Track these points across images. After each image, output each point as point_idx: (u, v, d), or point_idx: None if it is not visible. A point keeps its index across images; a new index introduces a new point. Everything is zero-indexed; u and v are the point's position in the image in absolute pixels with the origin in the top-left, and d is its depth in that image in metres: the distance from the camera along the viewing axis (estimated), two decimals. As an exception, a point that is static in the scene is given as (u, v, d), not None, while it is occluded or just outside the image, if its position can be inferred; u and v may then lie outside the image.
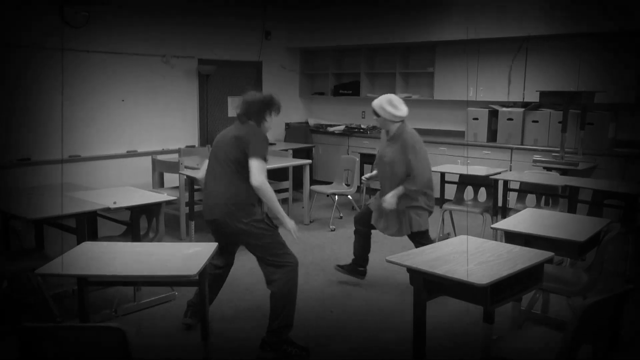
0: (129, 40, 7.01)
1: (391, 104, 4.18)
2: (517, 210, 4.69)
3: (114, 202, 3.98)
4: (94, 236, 4.10)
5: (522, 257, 2.76)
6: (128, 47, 7.01)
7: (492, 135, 7.23)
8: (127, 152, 7.10)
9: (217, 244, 3.11)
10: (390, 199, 4.15)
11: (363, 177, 4.67)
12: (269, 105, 3.55)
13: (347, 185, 6.74)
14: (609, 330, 2.37)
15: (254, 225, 3.37)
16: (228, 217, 3.36)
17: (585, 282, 3.35)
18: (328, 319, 3.98)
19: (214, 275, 3.62)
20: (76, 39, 6.52)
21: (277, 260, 3.40)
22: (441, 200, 5.77)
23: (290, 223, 3.50)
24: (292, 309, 3.42)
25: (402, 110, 4.19)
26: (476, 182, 5.78)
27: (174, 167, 5.82)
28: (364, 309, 4.15)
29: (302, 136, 8.68)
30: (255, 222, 3.37)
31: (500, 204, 5.41)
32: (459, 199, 5.82)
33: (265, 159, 3.37)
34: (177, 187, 5.89)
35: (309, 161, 6.54)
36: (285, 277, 3.38)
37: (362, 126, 8.49)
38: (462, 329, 3.79)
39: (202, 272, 2.82)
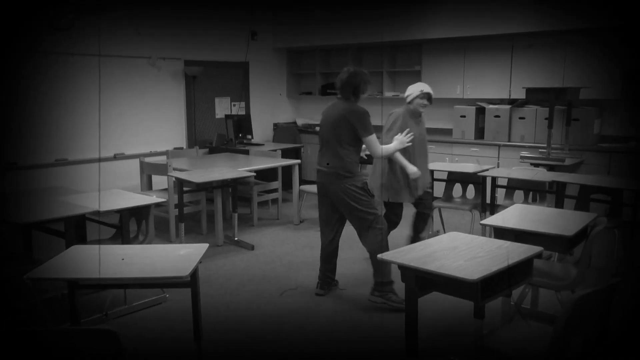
0: (115, 43, 6.97)
1: None
2: (505, 207, 4.73)
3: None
4: (82, 240, 4.07)
5: (511, 253, 2.78)
6: (113, 49, 6.97)
7: (480, 133, 7.28)
8: (115, 155, 7.06)
9: (207, 245, 3.11)
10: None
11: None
12: (365, 82, 4.07)
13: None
14: (598, 322, 2.40)
15: (351, 188, 4.00)
16: (334, 180, 4.03)
17: (573, 276, 3.38)
18: (319, 316, 3.99)
19: (331, 253, 4.29)
20: (61, 42, 6.47)
21: (370, 223, 4.02)
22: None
23: (411, 169, 4.49)
24: (389, 266, 3.99)
25: None
26: (464, 179, 5.82)
27: (162, 169, 5.79)
28: (356, 306, 4.16)
29: (290, 136, 8.68)
30: (354, 186, 4.00)
31: (488, 200, 5.45)
32: (447, 197, 5.86)
33: (373, 132, 4.04)
34: (165, 190, 5.86)
35: (298, 161, 6.54)
36: (375, 238, 4.02)
37: (350, 125, 8.50)
38: (453, 324, 3.82)
39: (194, 274, 2.82)
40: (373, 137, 4.03)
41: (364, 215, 4.03)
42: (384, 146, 4.20)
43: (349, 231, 4.37)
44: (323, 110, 4.23)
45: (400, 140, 4.32)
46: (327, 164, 4.06)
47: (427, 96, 4.68)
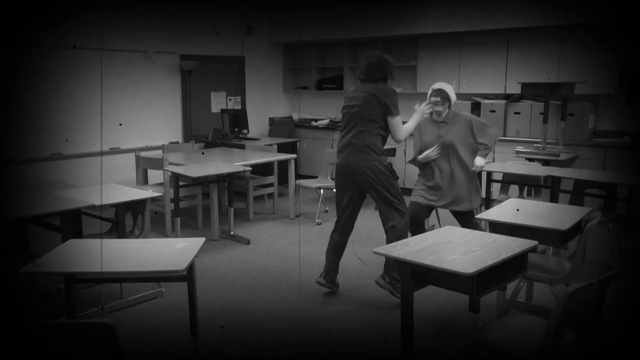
0: (110, 36, 6.94)
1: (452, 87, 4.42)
2: (500, 201, 4.74)
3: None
4: (78, 234, 4.07)
5: (506, 247, 2.79)
6: (108, 43, 6.94)
7: (475, 127, 7.28)
8: (110, 149, 7.05)
9: (204, 239, 3.11)
10: (481, 161, 4.32)
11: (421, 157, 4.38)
12: (392, 65, 4.04)
13: (332, 179, 6.75)
14: (592, 315, 2.42)
15: (375, 164, 3.89)
16: (358, 159, 3.91)
17: (568, 270, 3.41)
18: (316, 310, 4.00)
19: (337, 243, 4.18)
20: (58, 36, 6.42)
21: (394, 202, 3.92)
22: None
23: (417, 113, 4.20)
24: None
25: None
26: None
27: (158, 164, 5.78)
28: (352, 299, 4.18)
29: (286, 131, 8.68)
30: (379, 162, 3.91)
31: (484, 195, 5.46)
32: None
33: (399, 114, 3.95)
34: (161, 184, 5.86)
35: (294, 156, 6.55)
36: (400, 220, 3.92)
37: (346, 120, 8.50)
38: (448, 318, 3.84)
39: (190, 268, 2.83)
40: (399, 119, 3.95)
41: (387, 194, 3.90)
42: (404, 126, 4.02)
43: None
44: (347, 94, 4.11)
45: (419, 110, 4.16)
46: (351, 142, 3.94)
47: (438, 93, 4.29)
